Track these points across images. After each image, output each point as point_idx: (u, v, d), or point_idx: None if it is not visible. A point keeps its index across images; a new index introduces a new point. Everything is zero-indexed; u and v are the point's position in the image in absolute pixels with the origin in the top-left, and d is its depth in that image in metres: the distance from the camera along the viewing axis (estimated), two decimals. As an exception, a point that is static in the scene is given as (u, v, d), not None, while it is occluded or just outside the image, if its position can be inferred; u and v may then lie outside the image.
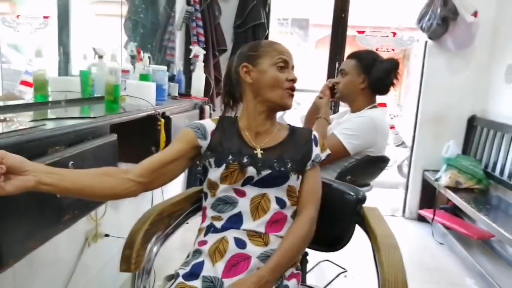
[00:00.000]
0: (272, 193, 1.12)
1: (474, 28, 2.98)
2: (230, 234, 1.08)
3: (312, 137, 1.22)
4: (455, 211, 3.12)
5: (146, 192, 1.10)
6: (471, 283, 2.39)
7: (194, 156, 1.17)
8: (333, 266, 2.08)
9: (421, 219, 3.34)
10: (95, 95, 1.82)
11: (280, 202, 1.12)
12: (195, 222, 1.28)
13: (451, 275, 2.52)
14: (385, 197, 3.98)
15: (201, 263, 1.06)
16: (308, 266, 1.81)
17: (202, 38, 3.08)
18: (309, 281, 1.86)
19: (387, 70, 1.78)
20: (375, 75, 1.78)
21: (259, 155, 1.13)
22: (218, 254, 1.05)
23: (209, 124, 1.19)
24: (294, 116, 6.79)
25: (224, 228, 1.10)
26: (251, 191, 1.11)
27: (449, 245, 2.88)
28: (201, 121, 1.20)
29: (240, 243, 1.06)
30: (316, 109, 1.93)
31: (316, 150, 1.20)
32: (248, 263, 1.03)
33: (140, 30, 2.58)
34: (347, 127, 1.72)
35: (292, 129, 1.24)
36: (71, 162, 1.04)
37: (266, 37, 3.33)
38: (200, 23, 3.07)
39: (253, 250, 1.05)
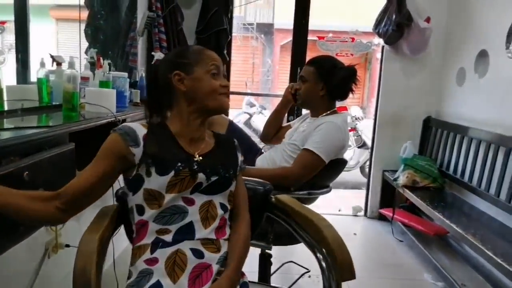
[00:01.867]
0: (217, 199, 1.12)
1: (428, 33, 3.13)
2: (185, 246, 1.03)
3: (236, 143, 1.28)
4: (414, 209, 3.24)
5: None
6: (429, 278, 2.50)
7: (124, 168, 1.07)
8: (297, 267, 2.13)
9: (382, 218, 3.45)
10: (54, 103, 1.79)
11: (223, 207, 1.14)
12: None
13: (410, 271, 2.63)
14: (348, 197, 4.09)
15: (158, 284, 0.99)
16: (272, 268, 1.85)
17: (164, 44, 3.08)
18: (273, 283, 1.90)
19: (344, 77, 1.85)
20: (333, 83, 1.84)
21: (199, 162, 1.11)
22: (178, 269, 1.01)
23: (140, 129, 1.08)
24: (261, 120, 6.86)
25: (176, 241, 1.03)
26: (199, 199, 1.09)
27: (408, 242, 2.99)
28: (131, 125, 1.09)
29: (197, 253, 1.04)
30: (285, 102, 2.06)
31: (240, 157, 1.25)
32: (210, 271, 1.04)
33: (100, 36, 2.55)
34: (316, 140, 1.77)
35: (217, 136, 1.26)
36: (26, 172, 1.03)
37: (229, 43, 3.36)
38: (162, 28, 3.07)
39: (211, 257, 1.05)
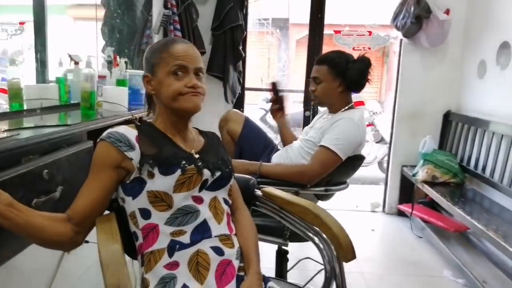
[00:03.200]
0: (220, 194, 1.11)
1: (447, 25, 3.06)
2: (205, 245, 1.01)
3: (220, 138, 1.28)
4: (433, 205, 3.19)
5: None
6: (449, 274, 2.46)
7: (123, 175, 1.02)
8: (313, 263, 2.12)
9: (401, 213, 3.41)
10: (72, 102, 1.82)
11: (226, 202, 1.13)
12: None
13: (430, 268, 2.59)
14: (366, 193, 4.05)
15: None
16: (289, 264, 1.85)
17: (180, 41, 3.09)
18: (290, 279, 1.90)
19: (361, 70, 1.82)
20: (351, 78, 1.81)
21: (201, 159, 1.09)
22: (203, 270, 0.98)
23: (129, 131, 1.04)
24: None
25: (194, 242, 1.00)
26: (207, 196, 1.07)
27: (428, 238, 2.95)
28: (119, 130, 1.03)
29: (218, 251, 1.02)
30: (280, 126, 2.16)
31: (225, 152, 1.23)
32: (232, 267, 1.03)
33: (116, 34, 2.57)
34: (333, 136, 1.76)
35: (202, 132, 1.24)
36: (46, 170, 1.05)
37: (245, 39, 3.35)
38: (178, 26, 3.08)
39: (230, 253, 1.05)
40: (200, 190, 1.05)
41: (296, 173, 1.76)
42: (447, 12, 3.08)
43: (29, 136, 1.07)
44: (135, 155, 1.00)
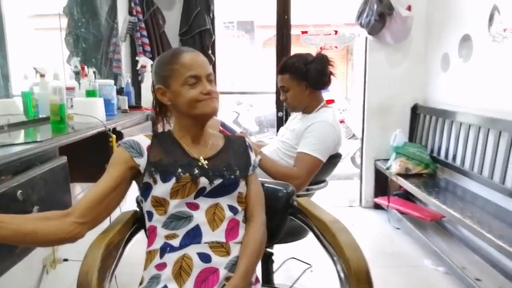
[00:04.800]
0: (224, 201, 1.11)
1: (409, 21, 3.14)
2: (192, 250, 1.03)
3: (247, 143, 1.26)
4: (408, 196, 3.27)
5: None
6: (428, 263, 2.52)
7: (133, 177, 1.11)
8: (299, 263, 2.13)
9: (377, 207, 3.48)
10: (40, 116, 1.75)
11: (232, 209, 1.12)
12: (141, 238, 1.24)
13: (410, 258, 2.64)
14: (342, 189, 4.10)
15: None
16: (274, 266, 1.84)
17: (148, 48, 3.04)
18: (276, 281, 1.90)
19: (319, 69, 1.83)
20: (313, 78, 1.83)
21: (206, 165, 1.11)
22: (184, 274, 1.01)
23: (143, 140, 1.13)
24: (248, 117, 6.85)
25: (182, 246, 1.04)
26: (204, 203, 1.09)
27: (405, 229, 3.02)
28: (134, 138, 1.13)
29: (204, 257, 1.03)
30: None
31: (252, 156, 1.24)
32: (217, 276, 1.02)
33: (82, 44, 2.50)
34: (311, 141, 1.77)
35: (227, 137, 1.26)
36: (20, 191, 1.00)
37: (213, 43, 3.33)
38: (145, 32, 3.04)
39: (219, 261, 1.04)
40: (196, 197, 1.08)
41: (288, 176, 1.75)
42: (409, 8, 3.17)
43: (-1, 156, 1.02)
44: (142, 162, 1.09)
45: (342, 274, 1.04)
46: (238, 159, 1.19)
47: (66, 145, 1.34)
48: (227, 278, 1.03)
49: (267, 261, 1.82)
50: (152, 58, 3.02)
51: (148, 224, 1.12)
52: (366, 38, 3.41)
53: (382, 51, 3.38)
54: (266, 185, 1.35)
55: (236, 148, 1.23)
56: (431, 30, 3.29)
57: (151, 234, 1.10)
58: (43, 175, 1.13)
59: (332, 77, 1.88)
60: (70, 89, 1.88)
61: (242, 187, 1.16)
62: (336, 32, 3.59)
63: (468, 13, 2.75)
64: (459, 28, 2.85)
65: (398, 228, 3.10)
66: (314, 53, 1.93)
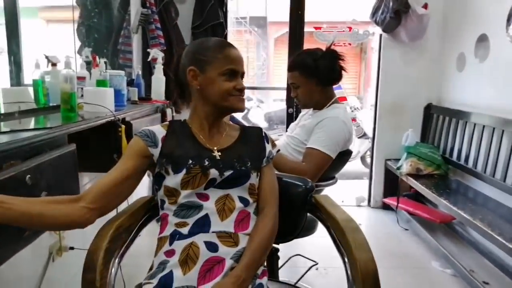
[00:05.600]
0: (235, 192, 1.11)
1: (425, 19, 3.09)
2: (200, 239, 1.04)
3: (263, 134, 1.25)
4: (418, 197, 3.23)
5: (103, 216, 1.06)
6: (436, 265, 2.49)
7: (147, 167, 1.13)
8: (304, 260, 2.11)
9: (386, 207, 3.44)
10: (51, 104, 1.76)
11: (243, 200, 1.12)
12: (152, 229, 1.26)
13: (418, 259, 2.61)
14: (351, 188, 4.06)
15: (170, 274, 1.00)
16: (280, 262, 1.83)
17: (162, 40, 3.03)
18: (281, 277, 1.88)
19: (329, 65, 1.80)
20: (322, 74, 1.80)
21: (218, 157, 1.12)
22: (191, 262, 1.01)
23: (159, 130, 1.15)
24: (258, 114, 6.84)
25: (191, 234, 1.05)
26: (214, 194, 1.09)
27: (414, 230, 2.98)
28: (150, 128, 1.15)
29: (211, 247, 1.03)
30: None
31: (268, 147, 1.24)
32: (222, 265, 1.01)
33: (94, 34, 2.50)
34: (321, 136, 1.74)
35: (243, 128, 1.26)
36: (28, 175, 1.00)
37: (225, 37, 3.32)
38: (159, 25, 3.03)
39: (226, 251, 1.03)
40: (206, 188, 1.09)
41: (296, 171, 1.73)
42: (425, 6, 3.11)
43: (9, 141, 1.01)
44: (155, 152, 1.11)
45: (350, 274, 1.01)
46: (252, 151, 1.19)
47: (76, 135, 1.34)
48: (233, 269, 1.02)
49: (273, 257, 1.80)
50: (168, 50, 3.01)
51: (161, 211, 1.14)
52: (381, 35, 3.37)
53: (397, 49, 3.34)
54: (284, 179, 1.34)
55: (252, 138, 1.23)
56: (448, 29, 3.23)
57: (163, 221, 1.12)
58: (52, 161, 1.13)
59: (343, 72, 1.85)
60: (81, 78, 1.87)
61: (254, 179, 1.15)
62: (350, 28, 3.54)
63: (485, 13, 2.70)
64: (476, 28, 2.79)
65: (406, 229, 3.06)
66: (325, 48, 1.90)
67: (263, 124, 6.66)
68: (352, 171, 5.07)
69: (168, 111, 2.46)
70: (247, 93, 7.36)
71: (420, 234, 2.86)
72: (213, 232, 1.05)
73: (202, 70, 1.13)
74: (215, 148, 1.14)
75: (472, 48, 2.83)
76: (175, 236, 1.06)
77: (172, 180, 1.08)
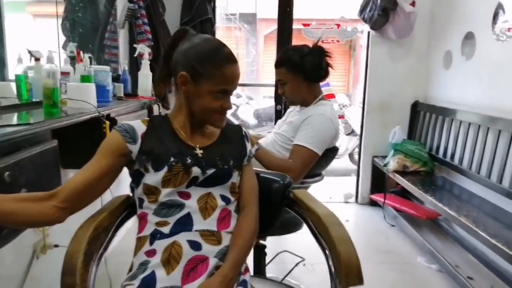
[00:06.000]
0: (217, 191, 1.10)
1: (413, 17, 3.11)
2: (182, 238, 1.01)
3: (244, 133, 1.24)
4: (405, 194, 3.25)
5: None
6: (422, 261, 2.51)
7: (124, 165, 1.09)
8: (292, 256, 2.12)
9: (373, 203, 3.47)
10: (34, 100, 1.72)
11: (225, 199, 1.11)
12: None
13: (404, 255, 2.64)
14: (339, 185, 4.08)
15: (152, 275, 0.98)
16: (267, 259, 1.83)
17: (149, 36, 3.00)
18: (268, 273, 1.88)
19: (315, 62, 1.80)
20: (309, 71, 1.80)
21: (200, 155, 1.10)
22: (173, 261, 0.99)
23: (139, 126, 1.10)
24: (247, 111, 6.82)
25: (173, 233, 1.02)
26: (196, 192, 1.07)
27: (400, 226, 3.00)
28: (130, 122, 1.10)
29: (194, 245, 1.01)
30: None
31: (249, 146, 1.23)
32: (206, 264, 1.00)
33: (79, 29, 2.47)
34: (308, 133, 1.74)
35: (227, 125, 1.22)
36: (7, 173, 0.98)
37: (214, 33, 3.30)
38: (146, 20, 3.00)
39: (209, 250, 1.02)
40: (188, 187, 1.07)
41: (282, 168, 1.73)
42: (413, 4, 3.13)
43: (-14, 136, 0.99)
44: (134, 149, 1.06)
45: (333, 268, 1.03)
46: (234, 149, 1.17)
47: (60, 131, 1.31)
48: (217, 267, 1.02)
49: (260, 253, 1.80)
50: (155, 45, 2.98)
51: (139, 210, 1.11)
52: (369, 33, 3.38)
53: (385, 47, 3.35)
54: (262, 175, 1.33)
55: (233, 137, 1.21)
56: (435, 26, 3.25)
57: (141, 221, 1.08)
58: (32, 157, 1.11)
59: (330, 69, 1.85)
60: (65, 74, 1.85)
61: (235, 178, 1.14)
62: (338, 26, 3.55)
63: (472, 11, 2.72)
64: (462, 26, 2.82)
65: (393, 225, 3.09)
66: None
67: (252, 121, 6.65)
68: (340, 168, 5.10)
69: (155, 107, 2.44)
70: (237, 90, 7.36)
71: (406, 230, 2.88)
72: (196, 230, 1.03)
73: (194, 80, 1.07)
74: (198, 146, 1.12)
75: (458, 46, 2.85)
76: (156, 235, 1.03)
77: (152, 178, 1.05)
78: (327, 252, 1.08)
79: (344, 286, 0.96)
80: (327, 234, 1.07)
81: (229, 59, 1.09)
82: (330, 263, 1.05)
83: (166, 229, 1.03)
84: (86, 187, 1.01)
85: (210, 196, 1.08)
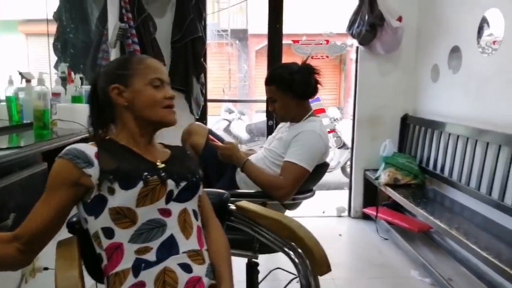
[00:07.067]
0: (189, 206, 1.07)
1: (400, 32, 3.16)
2: (172, 262, 0.97)
3: (188, 153, 1.25)
4: (397, 207, 3.26)
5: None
6: (415, 274, 2.51)
7: (81, 194, 0.98)
8: (285, 273, 2.10)
9: (366, 217, 3.47)
10: (25, 122, 1.73)
11: (195, 214, 1.08)
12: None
13: (398, 269, 2.63)
14: (331, 199, 4.09)
15: None
16: (260, 276, 1.82)
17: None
18: (262, 291, 1.87)
19: (304, 80, 1.84)
20: (299, 88, 1.83)
21: (165, 169, 1.05)
22: None
23: (88, 148, 1.00)
24: (240, 126, 6.85)
25: (160, 259, 0.96)
26: (175, 208, 1.02)
27: (393, 240, 3.01)
28: (77, 146, 1.00)
29: (186, 268, 0.98)
30: (237, 161, 1.85)
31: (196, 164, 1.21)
32: (201, 284, 0.99)
33: (70, 50, 2.49)
34: (298, 150, 1.77)
35: (168, 146, 1.21)
36: (-4, 197, 0.98)
37: (205, 51, 3.33)
38: (136, 39, 3.02)
39: (199, 270, 1.01)
40: (167, 202, 1.01)
41: (273, 185, 1.75)
42: (400, 19, 3.19)
43: (-24, 161, 1.00)
44: (93, 172, 0.97)
45: (300, 261, 1.14)
46: (191, 163, 1.17)
47: (51, 152, 1.32)
48: (210, 286, 1.02)
49: (252, 271, 1.79)
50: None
51: (106, 242, 0.98)
52: (357, 48, 3.43)
53: (373, 61, 3.40)
54: None
55: (183, 154, 1.20)
56: (422, 41, 3.31)
57: (114, 253, 0.97)
58: (22, 181, 1.12)
59: (318, 86, 1.88)
60: (56, 94, 1.86)
61: (201, 190, 1.13)
62: (327, 41, 3.61)
63: (457, 25, 2.78)
64: (448, 40, 2.87)
65: (386, 239, 3.09)
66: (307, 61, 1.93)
67: (245, 136, 6.67)
68: (333, 182, 5.12)
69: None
70: (229, 105, 7.36)
71: (399, 243, 2.89)
72: (183, 252, 1.00)
73: (127, 84, 1.06)
74: (158, 161, 1.07)
75: (445, 60, 2.91)
76: (140, 265, 0.95)
77: (122, 198, 0.96)
78: (289, 251, 1.16)
79: (316, 275, 1.12)
80: (293, 235, 1.16)
81: (144, 56, 1.14)
82: (297, 259, 1.14)
83: (150, 256, 0.96)
84: (45, 227, 0.96)
85: (186, 213, 1.05)
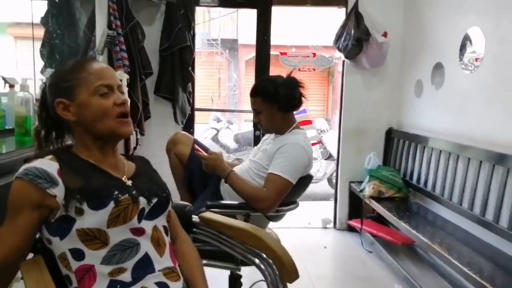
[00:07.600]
0: (160, 222, 1.03)
1: (385, 47, 3.22)
2: (149, 282, 0.93)
3: (149, 162, 1.21)
4: (381, 220, 3.28)
5: None
6: (399, 288, 2.53)
7: (45, 216, 0.91)
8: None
9: (351, 229, 3.48)
10: (7, 127, 1.71)
11: (165, 230, 1.05)
12: None
13: (381, 282, 2.64)
14: (317, 210, 4.09)
15: None
16: (243, 288, 1.81)
17: (126, 62, 3.02)
18: (244, 303, 1.86)
19: (288, 92, 1.87)
20: (283, 100, 1.86)
21: (132, 185, 1.00)
22: None
23: (49, 164, 0.92)
24: (228, 136, 6.84)
25: (136, 279, 0.92)
26: (148, 226, 0.98)
27: (377, 252, 3.02)
28: (36, 165, 0.91)
29: (163, 286, 0.96)
30: (221, 172, 1.86)
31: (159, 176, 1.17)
32: None
33: (56, 55, 2.47)
34: (281, 162, 1.78)
35: (130, 156, 1.17)
36: (-28, 206, 0.96)
37: (193, 60, 3.34)
38: (124, 47, 3.01)
39: (175, 287, 0.99)
40: (139, 221, 0.97)
41: (257, 197, 1.76)
42: (385, 35, 3.25)
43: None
44: (58, 192, 0.90)
45: (269, 270, 1.15)
46: (158, 177, 1.14)
47: (32, 160, 1.30)
48: None
49: (235, 283, 1.79)
50: (132, 72, 3.00)
51: (76, 264, 0.91)
52: (344, 61, 3.47)
53: (359, 75, 3.45)
54: None
55: (147, 167, 1.16)
56: (406, 56, 3.37)
57: (85, 276, 0.90)
58: (1, 188, 1.09)
59: (303, 98, 1.91)
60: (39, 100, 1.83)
61: (170, 206, 1.10)
62: (314, 54, 3.65)
63: (441, 42, 2.84)
64: (432, 56, 2.93)
65: (370, 252, 3.10)
66: (292, 74, 1.95)
67: (232, 145, 6.67)
68: (319, 192, 5.13)
69: (132, 136, 2.43)
70: (217, 114, 7.33)
71: (383, 256, 2.90)
72: (159, 270, 0.97)
73: (71, 98, 0.97)
74: (124, 177, 1.01)
75: (428, 76, 2.96)
76: (115, 287, 0.90)
77: (92, 219, 0.90)
78: (257, 260, 1.18)
79: (285, 282, 1.14)
80: (262, 244, 1.18)
81: (85, 60, 1.03)
82: (266, 268, 1.16)
83: (125, 277, 0.91)
84: (12, 255, 0.90)
85: (157, 230, 1.01)
